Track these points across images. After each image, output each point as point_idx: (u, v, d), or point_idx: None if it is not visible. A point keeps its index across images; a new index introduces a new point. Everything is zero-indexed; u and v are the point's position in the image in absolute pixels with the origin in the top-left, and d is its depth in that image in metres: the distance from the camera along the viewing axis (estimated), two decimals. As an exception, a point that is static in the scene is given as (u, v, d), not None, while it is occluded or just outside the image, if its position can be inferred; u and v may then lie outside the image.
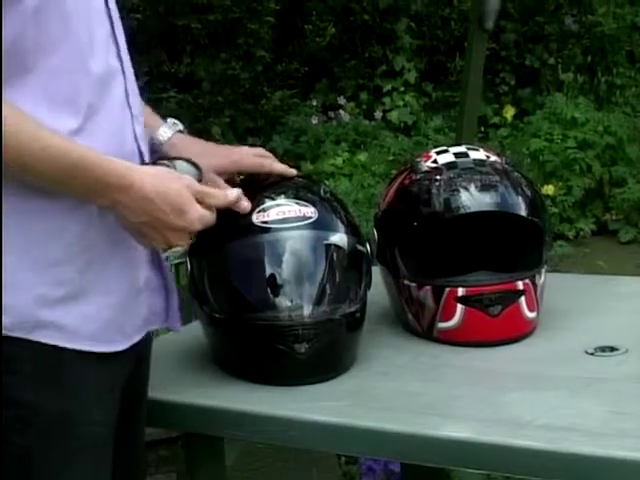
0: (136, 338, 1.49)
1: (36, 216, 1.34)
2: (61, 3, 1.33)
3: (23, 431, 1.35)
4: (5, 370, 1.33)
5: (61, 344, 1.37)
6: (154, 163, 1.48)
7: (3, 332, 1.32)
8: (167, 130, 1.65)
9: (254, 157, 1.72)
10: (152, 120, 1.64)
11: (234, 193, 1.53)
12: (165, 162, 1.48)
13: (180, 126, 1.67)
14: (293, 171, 1.72)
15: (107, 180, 1.35)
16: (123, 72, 1.45)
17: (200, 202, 1.43)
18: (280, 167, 1.71)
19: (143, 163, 1.47)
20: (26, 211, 1.33)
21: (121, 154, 1.39)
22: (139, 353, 1.52)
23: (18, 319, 1.33)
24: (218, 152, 1.71)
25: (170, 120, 1.67)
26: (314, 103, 6.74)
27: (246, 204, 1.58)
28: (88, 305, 1.40)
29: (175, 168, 1.46)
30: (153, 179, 1.39)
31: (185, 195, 1.41)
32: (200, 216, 1.43)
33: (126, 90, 1.45)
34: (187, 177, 1.45)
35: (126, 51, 1.47)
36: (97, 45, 1.39)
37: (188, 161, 1.50)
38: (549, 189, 5.70)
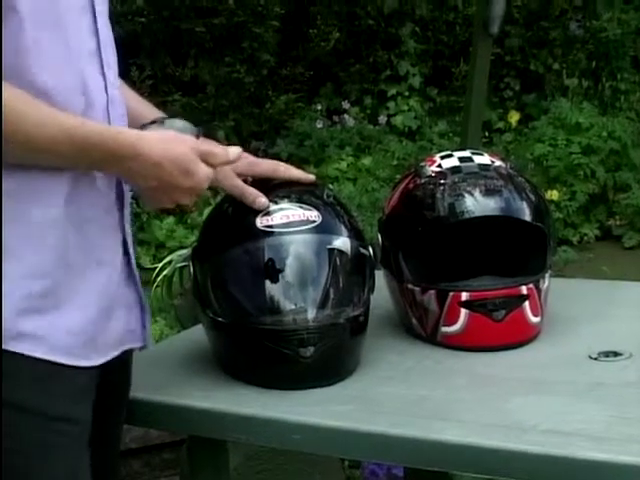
0: (111, 355, 1.48)
1: (10, 226, 1.34)
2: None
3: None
4: None
5: (35, 355, 1.36)
6: (144, 126, 1.49)
7: None
8: None
9: (269, 161, 1.72)
10: None
11: (236, 151, 1.54)
12: (158, 123, 1.50)
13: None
14: (311, 177, 1.71)
15: (121, 152, 1.38)
16: (106, 89, 1.45)
17: (204, 161, 1.46)
18: (296, 173, 1.70)
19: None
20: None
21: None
22: (116, 362, 1.51)
23: None
24: None
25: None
26: (318, 107, 6.75)
27: (264, 200, 1.61)
28: (61, 318, 1.39)
29: (171, 127, 1.49)
30: (161, 144, 1.42)
31: (191, 156, 1.44)
32: (206, 175, 1.46)
33: (107, 110, 1.45)
34: (189, 137, 1.48)
35: (111, 78, 1.47)
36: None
37: (180, 118, 1.53)
38: (553, 194, 5.71)
